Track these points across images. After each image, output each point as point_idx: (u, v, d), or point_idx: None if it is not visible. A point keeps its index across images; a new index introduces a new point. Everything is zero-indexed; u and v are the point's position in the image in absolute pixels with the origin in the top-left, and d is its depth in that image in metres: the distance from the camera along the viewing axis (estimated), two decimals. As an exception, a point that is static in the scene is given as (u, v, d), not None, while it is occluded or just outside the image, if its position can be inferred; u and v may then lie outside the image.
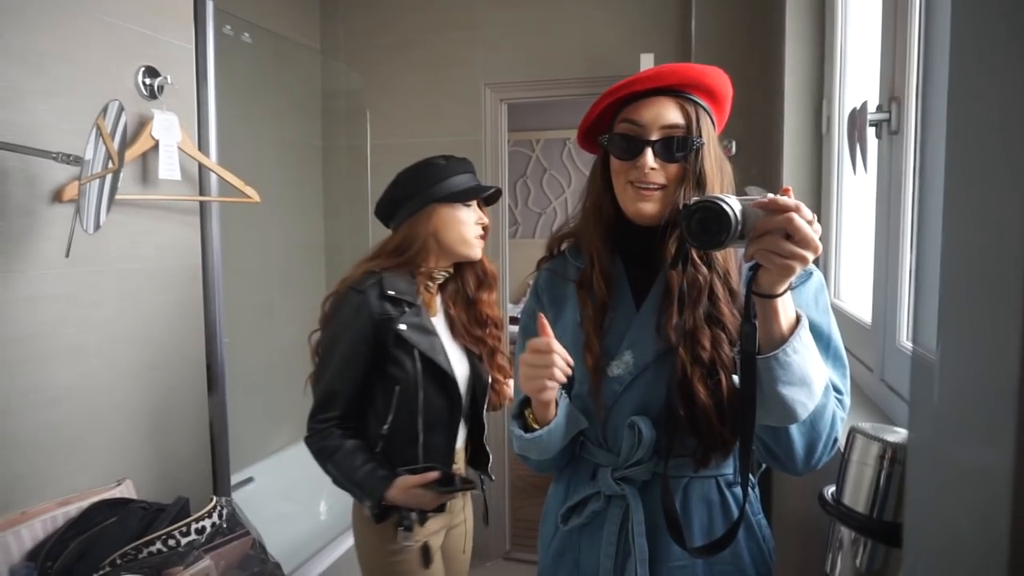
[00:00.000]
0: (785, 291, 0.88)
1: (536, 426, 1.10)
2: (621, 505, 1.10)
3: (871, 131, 1.26)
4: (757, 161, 2.44)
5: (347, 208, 3.26)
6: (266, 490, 2.58)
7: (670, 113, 1.04)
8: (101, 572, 0.91)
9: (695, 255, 1.03)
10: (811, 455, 0.96)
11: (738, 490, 1.10)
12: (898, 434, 0.54)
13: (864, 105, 1.26)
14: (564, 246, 1.22)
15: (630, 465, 1.08)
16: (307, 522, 2.82)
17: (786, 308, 0.89)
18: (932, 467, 0.42)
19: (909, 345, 1.16)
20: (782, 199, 0.84)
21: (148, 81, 1.41)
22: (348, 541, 2.21)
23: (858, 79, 1.67)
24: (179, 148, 1.39)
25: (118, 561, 0.91)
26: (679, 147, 1.04)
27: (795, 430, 0.94)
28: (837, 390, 0.99)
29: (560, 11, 2.92)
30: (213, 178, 1.53)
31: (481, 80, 3.03)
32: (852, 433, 0.55)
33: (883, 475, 0.52)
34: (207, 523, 0.96)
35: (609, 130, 1.09)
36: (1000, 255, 0.37)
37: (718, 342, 1.02)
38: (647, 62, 2.30)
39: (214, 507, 0.98)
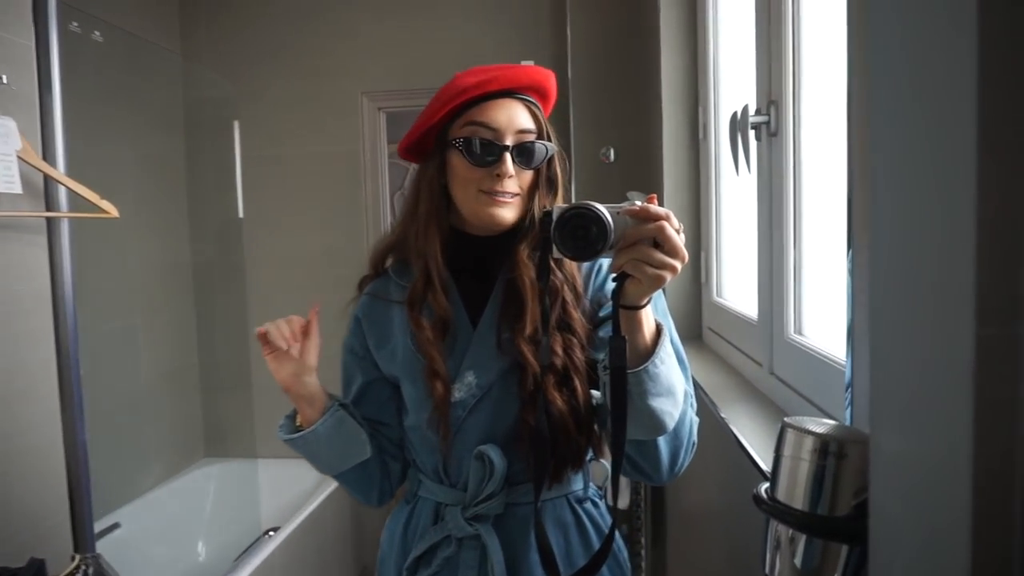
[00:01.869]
0: (649, 302, 0.86)
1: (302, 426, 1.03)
2: (475, 546, 1.02)
3: (752, 133, 1.31)
4: (636, 167, 2.51)
5: (215, 226, 3.06)
6: (136, 536, 2.34)
7: (522, 116, 1.00)
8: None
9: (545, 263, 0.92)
10: (675, 463, 0.96)
11: (588, 506, 1.08)
12: (826, 425, 0.53)
13: (745, 109, 1.31)
14: (388, 263, 1.13)
15: (481, 500, 1.00)
16: (184, 566, 2.60)
17: (649, 319, 0.87)
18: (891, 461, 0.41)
19: (797, 338, 1.20)
20: (653, 207, 0.82)
21: (-19, 83, 1.24)
22: (233, 583, 2.04)
23: (732, 84, 1.75)
24: (19, 157, 1.22)
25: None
26: (536, 152, 1.00)
27: (661, 441, 0.92)
28: (691, 395, 0.98)
29: (437, 20, 2.89)
30: (62, 192, 1.36)
31: (358, 89, 2.94)
32: (784, 428, 0.54)
33: (818, 469, 0.51)
34: (70, 586, 0.83)
35: (446, 135, 1.01)
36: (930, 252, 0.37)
37: (570, 347, 0.99)
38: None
39: (77, 567, 0.85)
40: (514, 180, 0.99)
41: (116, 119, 2.47)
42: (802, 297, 1.21)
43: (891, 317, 0.42)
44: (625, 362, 0.85)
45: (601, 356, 0.93)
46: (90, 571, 0.86)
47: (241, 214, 2.99)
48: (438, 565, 1.04)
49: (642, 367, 0.86)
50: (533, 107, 1.02)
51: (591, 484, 1.12)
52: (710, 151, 1.91)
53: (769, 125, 1.25)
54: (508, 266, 1.03)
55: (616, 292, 0.84)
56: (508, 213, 1.00)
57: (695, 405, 1.00)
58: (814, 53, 1.15)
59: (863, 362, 0.63)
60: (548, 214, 0.83)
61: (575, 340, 0.99)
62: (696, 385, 1.44)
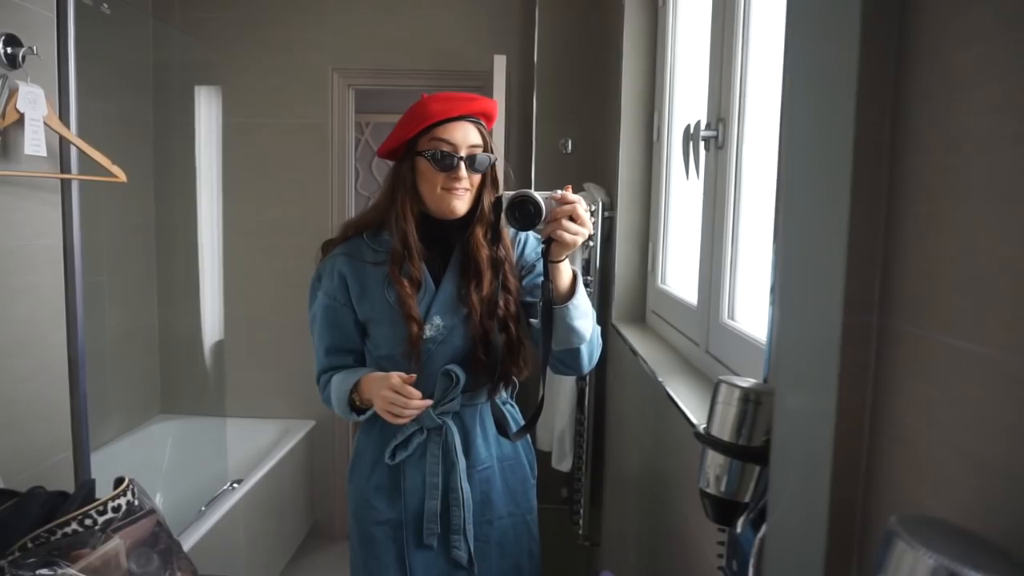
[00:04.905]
0: (566, 257, 1.32)
1: (365, 406, 1.42)
2: (440, 433, 1.46)
3: (702, 144, 1.52)
4: (592, 159, 2.71)
5: (180, 190, 3.11)
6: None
7: (472, 135, 1.40)
8: (9, 557, 0.89)
9: (491, 240, 1.39)
10: (591, 360, 1.45)
11: (509, 407, 1.58)
12: (747, 381, 0.74)
13: (698, 124, 1.51)
14: (351, 233, 1.48)
15: (447, 402, 1.44)
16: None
17: (568, 269, 1.34)
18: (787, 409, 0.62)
19: (729, 323, 1.43)
20: (570, 195, 1.26)
21: (10, 50, 1.31)
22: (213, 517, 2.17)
23: (685, 96, 1.95)
24: (45, 123, 1.32)
25: (29, 545, 0.90)
26: (483, 161, 1.41)
27: (583, 347, 1.39)
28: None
29: (411, 5, 3.00)
30: (74, 154, 1.46)
31: (330, 65, 3.03)
32: (718, 383, 0.74)
33: (741, 412, 0.72)
34: (122, 501, 0.97)
35: (415, 146, 1.39)
36: (821, 250, 0.56)
37: (508, 302, 1.43)
38: (500, 64, 2.46)
39: (127, 486, 0.99)
40: (467, 180, 1.39)
41: (89, 79, 2.50)
42: (736, 287, 1.43)
43: (789, 305, 0.62)
44: (553, 298, 1.31)
45: (528, 299, 1.46)
46: (136, 490, 1.00)
47: (220, 178, 3.05)
48: (413, 447, 1.47)
49: (570, 301, 1.32)
50: (481, 127, 1.42)
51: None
52: (662, 153, 2.12)
53: (717, 139, 1.46)
54: (464, 243, 1.44)
55: (545, 251, 1.29)
56: (461, 204, 1.41)
57: (598, 327, 1.47)
58: (758, 80, 1.36)
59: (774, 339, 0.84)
60: (499, 199, 1.28)
61: (511, 296, 1.44)
62: (635, 353, 1.76)
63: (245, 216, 3.10)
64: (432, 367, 1.44)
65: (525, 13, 2.95)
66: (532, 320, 1.44)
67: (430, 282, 1.44)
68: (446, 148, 1.37)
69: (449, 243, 1.46)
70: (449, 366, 1.43)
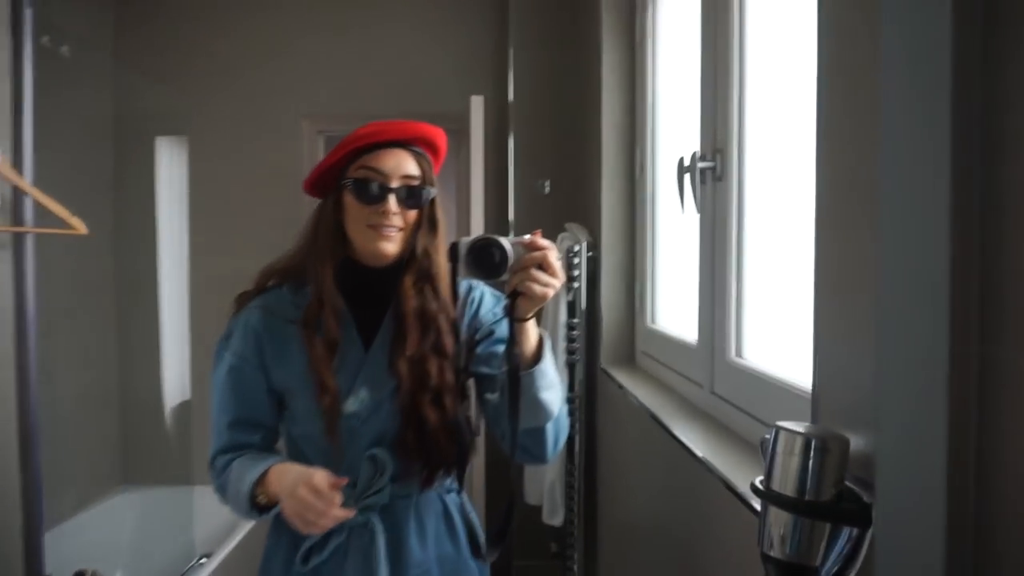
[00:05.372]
0: (533, 315, 1.09)
1: (271, 503, 1.13)
2: (363, 533, 1.19)
3: (698, 177, 1.46)
4: (572, 199, 2.66)
5: (141, 242, 2.97)
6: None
7: (408, 164, 1.17)
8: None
9: (422, 291, 1.18)
10: (556, 444, 1.20)
11: (454, 496, 1.30)
12: (809, 427, 0.65)
13: (693, 155, 1.46)
14: (273, 283, 1.26)
15: (371, 493, 1.18)
16: None
17: (534, 329, 1.11)
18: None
19: (739, 361, 1.35)
20: (540, 240, 1.06)
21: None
22: None
23: (670, 128, 1.92)
24: (-6, 171, 1.21)
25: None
26: (418, 195, 1.18)
27: (549, 426, 1.16)
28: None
29: (381, 46, 2.96)
30: (28, 206, 1.34)
31: (299, 111, 2.96)
32: (777, 430, 0.66)
33: (806, 462, 0.63)
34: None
35: (343, 175, 1.17)
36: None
37: (443, 369, 1.18)
38: (477, 104, 2.42)
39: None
40: (398, 216, 1.16)
41: (45, 126, 2.38)
42: (743, 323, 1.37)
43: (890, 341, 0.55)
44: (518, 365, 1.08)
45: (484, 369, 1.21)
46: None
47: (187, 230, 2.93)
48: (330, 552, 1.19)
49: (535, 367, 1.10)
50: (420, 158, 1.20)
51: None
52: (646, 188, 2.07)
53: (715, 170, 1.41)
54: (396, 295, 1.19)
55: (509, 307, 1.07)
56: (390, 246, 1.17)
57: (566, 404, 1.25)
58: (757, 106, 1.32)
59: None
60: (455, 245, 1.06)
61: (445, 361, 1.18)
62: (631, 396, 1.65)
63: (214, 268, 2.97)
64: (354, 449, 1.18)
65: (498, 54, 2.93)
66: (488, 395, 1.21)
67: (359, 346, 1.20)
68: (373, 177, 1.15)
69: (385, 297, 1.22)
70: (375, 450, 1.18)
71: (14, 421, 1.34)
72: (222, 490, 1.19)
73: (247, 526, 2.54)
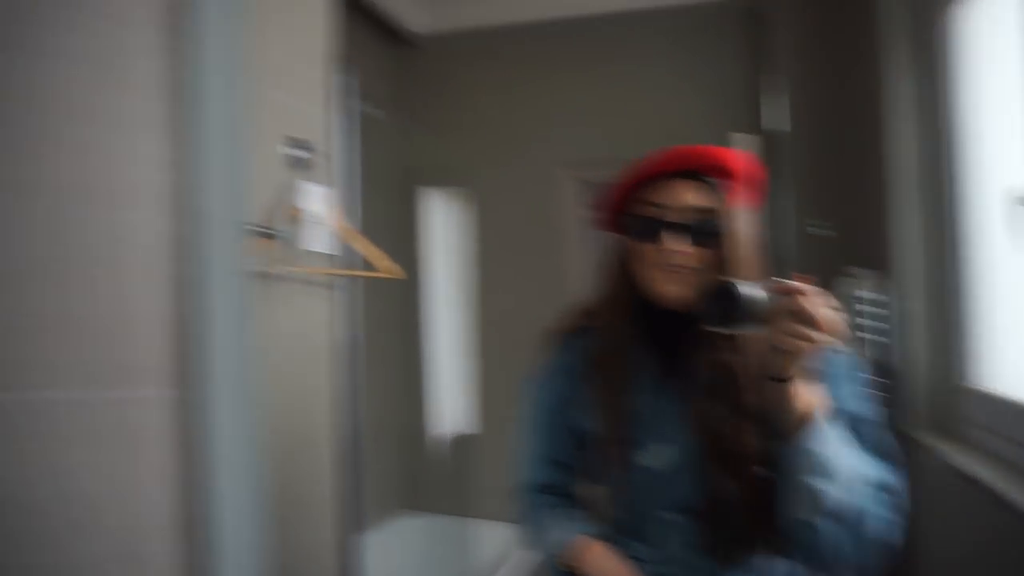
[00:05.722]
0: (796, 375, 0.90)
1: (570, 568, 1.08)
2: None
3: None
4: (861, 238, 2.39)
5: (415, 278, 3.24)
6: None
7: (689, 195, 1.03)
8: None
9: (725, 340, 1.01)
10: (839, 551, 0.93)
11: None
12: None
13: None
14: (584, 323, 1.17)
15: (664, 561, 1.05)
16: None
17: (803, 393, 0.91)
18: None
19: None
20: (787, 283, 0.89)
21: (300, 153, 1.41)
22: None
23: (993, 157, 1.64)
24: (328, 222, 1.38)
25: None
26: (707, 230, 1.02)
27: (826, 525, 0.92)
28: (885, 487, 0.96)
29: (637, 89, 2.99)
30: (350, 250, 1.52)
31: (557, 159, 3.08)
32: None
33: None
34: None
35: (626, 211, 1.08)
36: None
37: (740, 435, 1.00)
38: (741, 142, 2.30)
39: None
40: (688, 256, 1.02)
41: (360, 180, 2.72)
42: None
43: None
44: (775, 437, 0.93)
45: None
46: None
47: (436, 274, 3.16)
48: None
49: (798, 443, 0.91)
50: (710, 186, 1.04)
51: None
52: (958, 224, 1.79)
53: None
54: (697, 343, 1.04)
55: (766, 364, 0.92)
56: (675, 288, 1.03)
57: (895, 502, 0.97)
58: None
59: None
60: (704, 289, 0.94)
61: (746, 425, 1.00)
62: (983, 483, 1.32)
63: (486, 309, 3.17)
64: (647, 507, 1.07)
65: (751, 89, 2.79)
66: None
67: (648, 394, 1.08)
68: (651, 212, 1.03)
69: (682, 343, 1.07)
70: (670, 513, 1.05)
71: (326, 444, 1.47)
72: (526, 522, 1.19)
73: (518, 558, 2.57)
